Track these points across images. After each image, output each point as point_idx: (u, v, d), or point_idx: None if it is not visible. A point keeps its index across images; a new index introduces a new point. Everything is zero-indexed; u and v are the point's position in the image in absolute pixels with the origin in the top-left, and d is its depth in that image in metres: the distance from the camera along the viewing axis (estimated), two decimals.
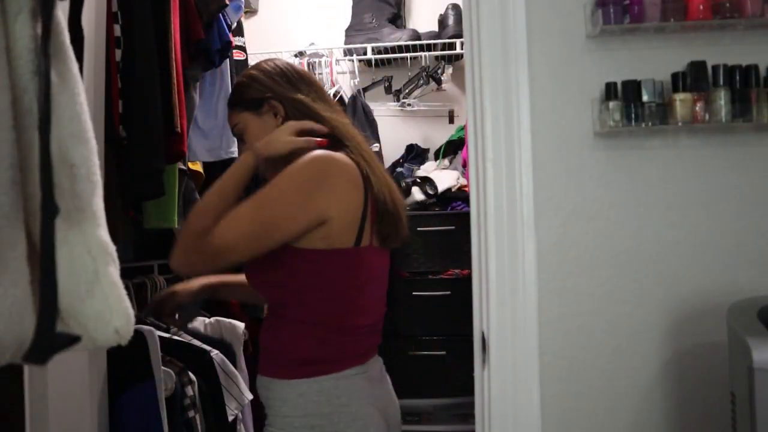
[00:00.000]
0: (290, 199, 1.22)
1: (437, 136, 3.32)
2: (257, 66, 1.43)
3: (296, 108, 1.37)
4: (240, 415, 2.12)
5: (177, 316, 1.63)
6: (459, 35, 2.97)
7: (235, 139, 2.32)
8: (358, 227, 1.27)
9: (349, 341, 1.29)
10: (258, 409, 2.28)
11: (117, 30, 1.74)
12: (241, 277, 1.55)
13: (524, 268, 1.28)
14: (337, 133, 1.35)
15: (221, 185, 1.29)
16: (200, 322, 2.10)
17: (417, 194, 2.91)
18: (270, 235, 1.22)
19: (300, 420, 1.23)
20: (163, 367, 1.73)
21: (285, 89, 1.38)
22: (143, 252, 2.19)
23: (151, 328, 1.73)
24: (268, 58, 1.51)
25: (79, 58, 0.73)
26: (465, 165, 2.98)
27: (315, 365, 1.25)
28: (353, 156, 1.31)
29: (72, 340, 0.64)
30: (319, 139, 1.31)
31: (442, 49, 3.14)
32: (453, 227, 2.80)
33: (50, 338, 0.61)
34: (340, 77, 3.21)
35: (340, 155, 1.29)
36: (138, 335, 1.63)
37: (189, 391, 1.83)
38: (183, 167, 2.08)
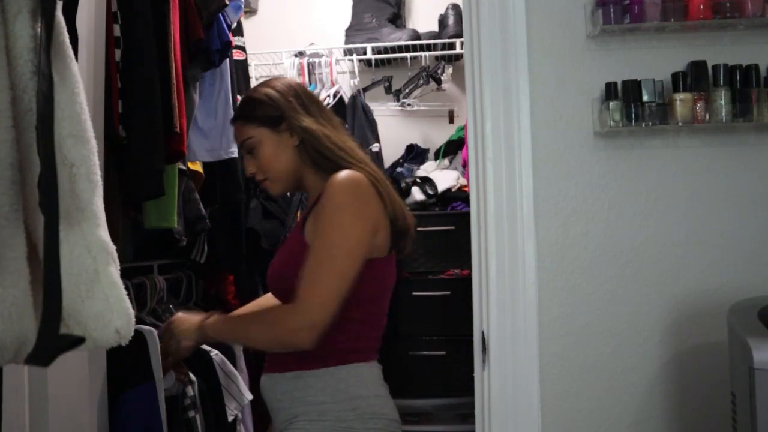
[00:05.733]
0: (353, 235, 1.27)
1: (437, 136, 3.31)
2: (271, 85, 1.46)
3: (310, 135, 1.39)
4: (240, 415, 2.12)
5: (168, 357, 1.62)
6: (459, 35, 2.96)
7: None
8: (389, 237, 1.33)
9: (376, 337, 1.38)
10: (258, 409, 2.29)
11: (117, 30, 1.74)
12: (246, 309, 1.68)
13: (524, 268, 1.28)
14: (346, 157, 1.38)
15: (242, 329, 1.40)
16: None
17: (417, 194, 2.91)
18: (352, 271, 1.26)
19: (341, 404, 1.29)
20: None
21: (299, 113, 1.41)
22: (143, 252, 2.19)
23: (151, 328, 1.72)
24: (277, 76, 1.51)
25: (75, 58, 0.73)
26: (465, 165, 2.97)
27: (356, 353, 1.33)
28: (366, 175, 1.34)
29: (75, 341, 0.64)
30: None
31: (442, 49, 3.14)
32: (453, 227, 2.80)
33: (54, 340, 0.61)
34: (340, 77, 3.21)
35: (358, 173, 1.32)
36: (138, 335, 1.63)
37: (189, 391, 1.83)
38: (183, 167, 2.08)
